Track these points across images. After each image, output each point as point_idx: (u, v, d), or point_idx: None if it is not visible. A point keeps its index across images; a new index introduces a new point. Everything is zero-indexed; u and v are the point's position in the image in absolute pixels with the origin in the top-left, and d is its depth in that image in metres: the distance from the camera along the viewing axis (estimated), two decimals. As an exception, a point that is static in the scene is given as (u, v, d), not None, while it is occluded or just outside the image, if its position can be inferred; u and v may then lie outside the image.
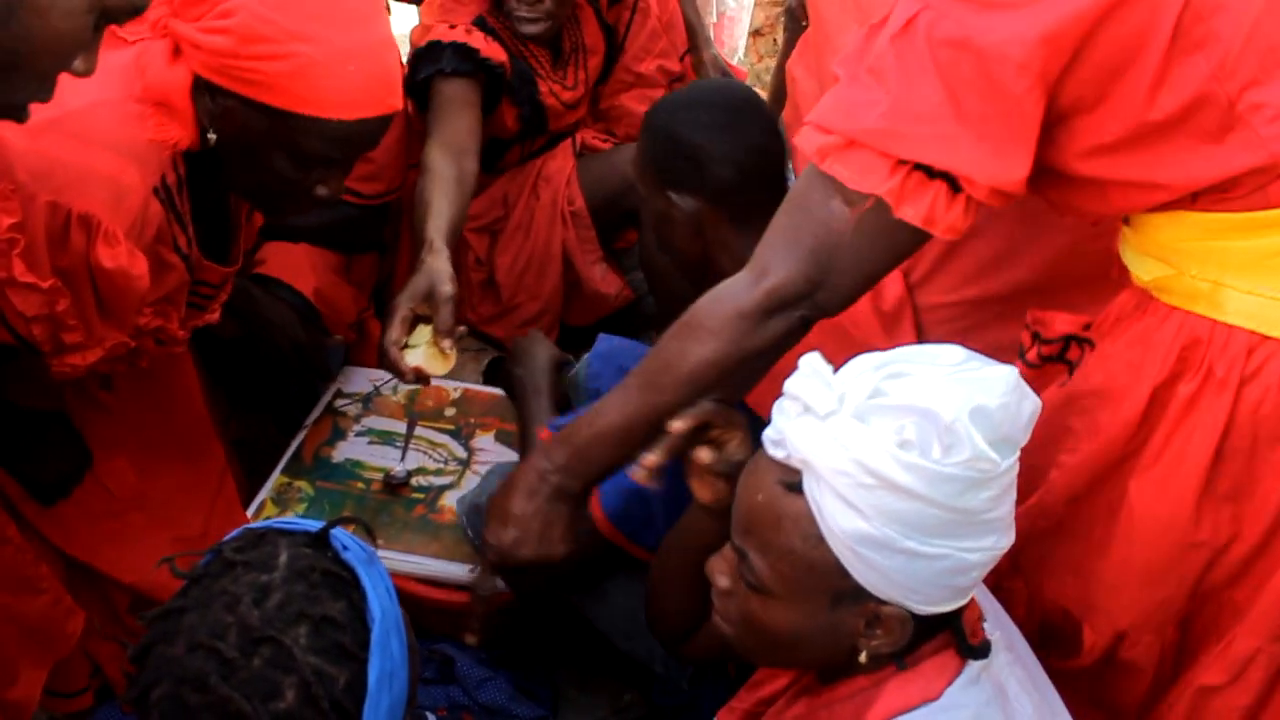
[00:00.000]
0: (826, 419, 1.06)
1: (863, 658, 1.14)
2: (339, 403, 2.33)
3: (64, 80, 1.12)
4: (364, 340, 2.49)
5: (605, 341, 2.01)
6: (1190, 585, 1.32)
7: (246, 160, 1.56)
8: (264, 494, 2.13)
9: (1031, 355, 1.47)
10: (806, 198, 1.30)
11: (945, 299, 1.80)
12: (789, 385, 1.12)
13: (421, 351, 1.84)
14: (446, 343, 1.83)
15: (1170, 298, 1.24)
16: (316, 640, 1.09)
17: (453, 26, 2.29)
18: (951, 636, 1.15)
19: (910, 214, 1.17)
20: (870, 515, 1.05)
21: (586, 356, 2.01)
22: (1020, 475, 1.13)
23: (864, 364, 1.11)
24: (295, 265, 2.24)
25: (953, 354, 1.11)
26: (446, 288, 1.81)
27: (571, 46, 2.53)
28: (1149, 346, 1.27)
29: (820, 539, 1.08)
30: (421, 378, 1.84)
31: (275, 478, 2.16)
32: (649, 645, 1.66)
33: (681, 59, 2.72)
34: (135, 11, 1.11)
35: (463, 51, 2.25)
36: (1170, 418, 1.26)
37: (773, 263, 1.32)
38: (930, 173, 1.15)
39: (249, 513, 2.07)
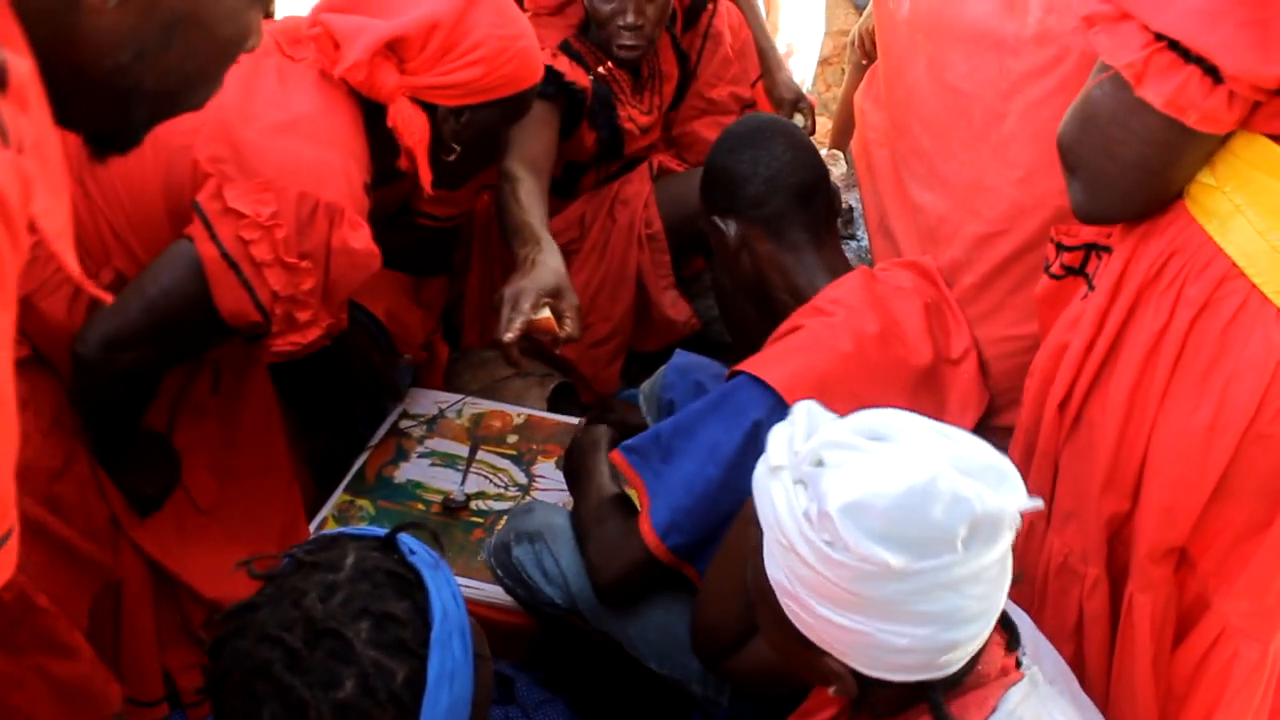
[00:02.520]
0: (774, 472, 1.07)
1: (831, 692, 1.13)
2: (404, 424, 2.37)
3: (283, 86, 1.15)
4: (432, 361, 2.52)
5: (681, 356, 2.04)
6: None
7: (483, 149, 1.90)
8: (326, 510, 2.17)
9: (1055, 267, 1.47)
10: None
11: (1009, 332, 1.80)
12: (771, 430, 1.12)
13: None
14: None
15: (1193, 204, 1.23)
16: (377, 635, 1.12)
17: (553, 55, 2.33)
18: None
19: (1153, 95, 1.12)
20: (787, 574, 1.06)
21: (662, 369, 2.02)
22: None
23: (843, 424, 1.08)
24: (367, 285, 2.26)
25: (928, 437, 1.04)
26: (574, 298, 1.95)
27: (649, 72, 2.56)
28: (1146, 236, 1.27)
29: (768, 575, 1.10)
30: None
31: (338, 495, 2.20)
32: (685, 665, 1.66)
33: (753, 85, 2.73)
34: None
35: (548, 74, 2.30)
36: (1120, 311, 1.28)
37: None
38: (1185, 56, 1.10)
39: (311, 528, 2.11)
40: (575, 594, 1.71)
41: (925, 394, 1.67)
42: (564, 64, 2.35)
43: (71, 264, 0.84)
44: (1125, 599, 1.35)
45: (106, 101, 0.99)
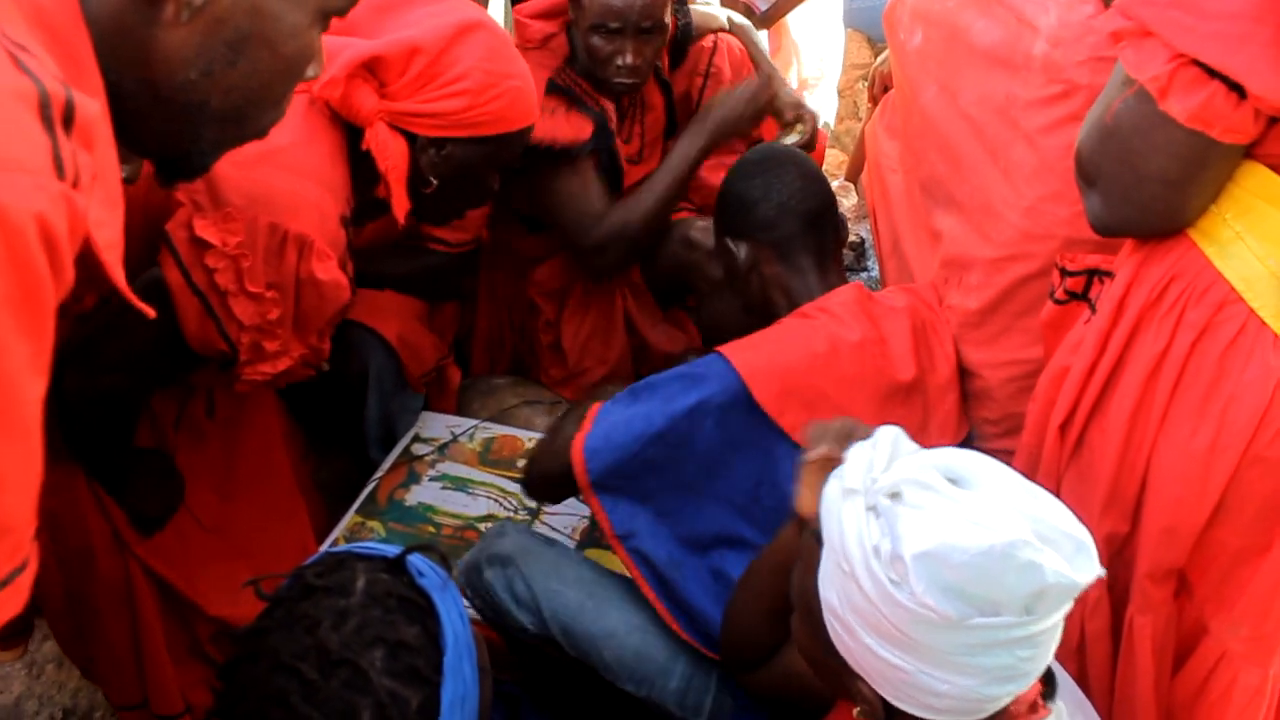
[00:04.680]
0: (848, 494, 1.06)
1: (855, 713, 1.13)
2: (416, 447, 2.38)
3: None
4: (444, 387, 2.53)
5: None
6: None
7: (462, 186, 1.85)
8: (337, 532, 2.18)
9: (1059, 292, 1.48)
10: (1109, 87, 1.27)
11: (1016, 356, 1.81)
12: (852, 448, 1.11)
13: None
14: None
15: (1194, 230, 1.25)
16: (392, 664, 1.12)
17: (551, 112, 2.31)
18: None
19: (1177, 109, 1.13)
20: (842, 598, 1.05)
21: None
22: None
23: (927, 459, 1.07)
24: (380, 310, 2.29)
25: (1013, 494, 1.02)
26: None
27: (630, 102, 2.55)
28: (1147, 261, 1.28)
29: (818, 593, 1.11)
30: None
31: (349, 517, 2.21)
32: (662, 688, 1.68)
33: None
34: (349, 4, 1.11)
35: (573, 152, 2.33)
36: (1121, 334, 1.30)
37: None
38: (1210, 72, 1.11)
39: (322, 550, 2.11)
40: (548, 618, 1.72)
41: (901, 409, 1.71)
42: (576, 124, 2.36)
43: (119, 276, 0.86)
44: (1126, 621, 1.36)
45: (176, 120, 1.01)
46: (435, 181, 1.78)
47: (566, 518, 2.16)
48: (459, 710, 1.14)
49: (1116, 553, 1.37)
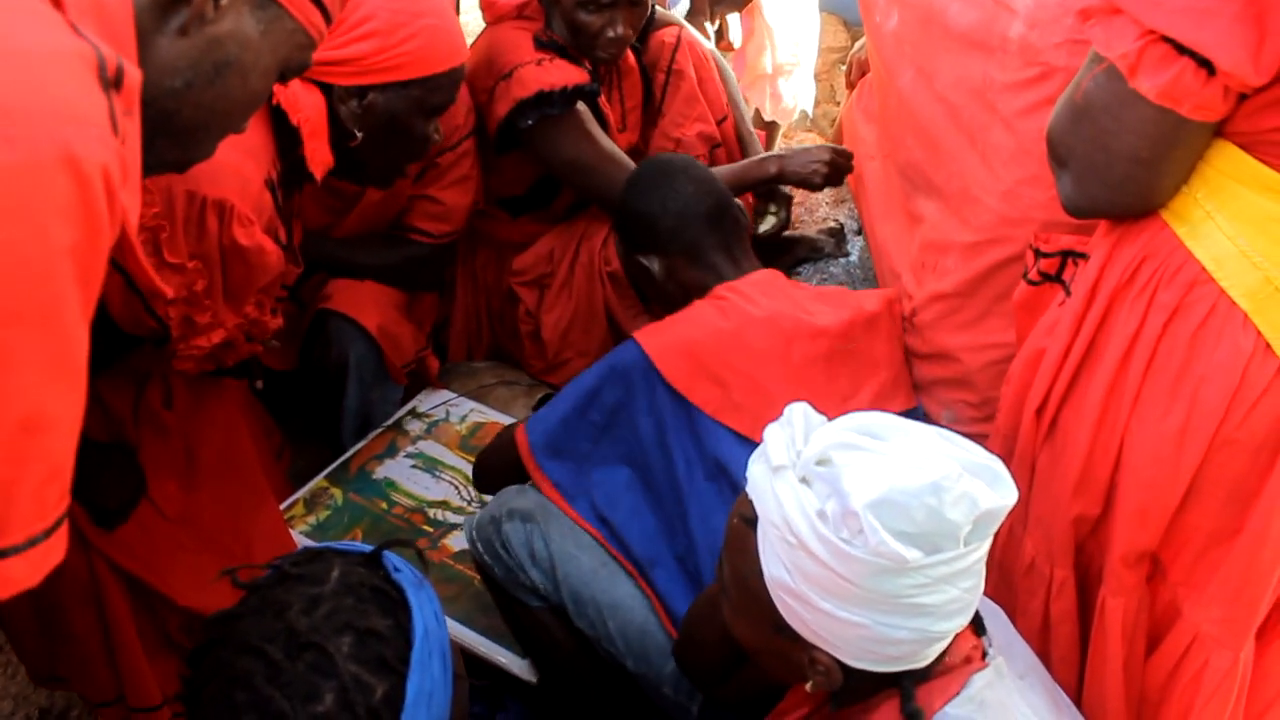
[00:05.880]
0: (777, 471, 1.09)
1: (808, 687, 1.16)
2: (407, 421, 2.39)
3: None
4: (423, 375, 2.52)
5: None
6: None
7: (391, 138, 1.81)
8: (301, 493, 2.21)
9: (1033, 273, 1.49)
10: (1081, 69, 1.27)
11: (993, 339, 1.82)
12: (767, 429, 1.14)
13: None
14: None
15: (1165, 210, 1.25)
16: (359, 650, 1.12)
17: (539, 63, 2.32)
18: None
19: (1147, 86, 1.13)
20: (792, 570, 1.08)
21: None
22: None
23: (840, 425, 1.12)
24: (360, 301, 2.29)
25: (926, 438, 1.09)
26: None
27: (607, 70, 2.54)
28: (1120, 242, 1.29)
29: (760, 575, 1.13)
30: None
31: (317, 480, 2.24)
32: (659, 668, 1.69)
33: (719, 124, 2.70)
34: (303, 69, 1.18)
35: (572, 93, 2.32)
36: (1095, 316, 1.30)
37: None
38: (1179, 49, 1.10)
39: (283, 506, 2.13)
40: (560, 580, 1.74)
41: (821, 378, 1.77)
42: (572, 72, 2.35)
43: (144, 258, 0.91)
44: (1098, 603, 1.36)
45: (146, 123, 1.03)
46: (360, 134, 1.74)
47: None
48: (424, 705, 1.13)
49: (1088, 535, 1.38)
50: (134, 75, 0.85)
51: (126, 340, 1.57)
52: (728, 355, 1.71)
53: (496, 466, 1.88)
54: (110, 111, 0.80)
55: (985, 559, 1.11)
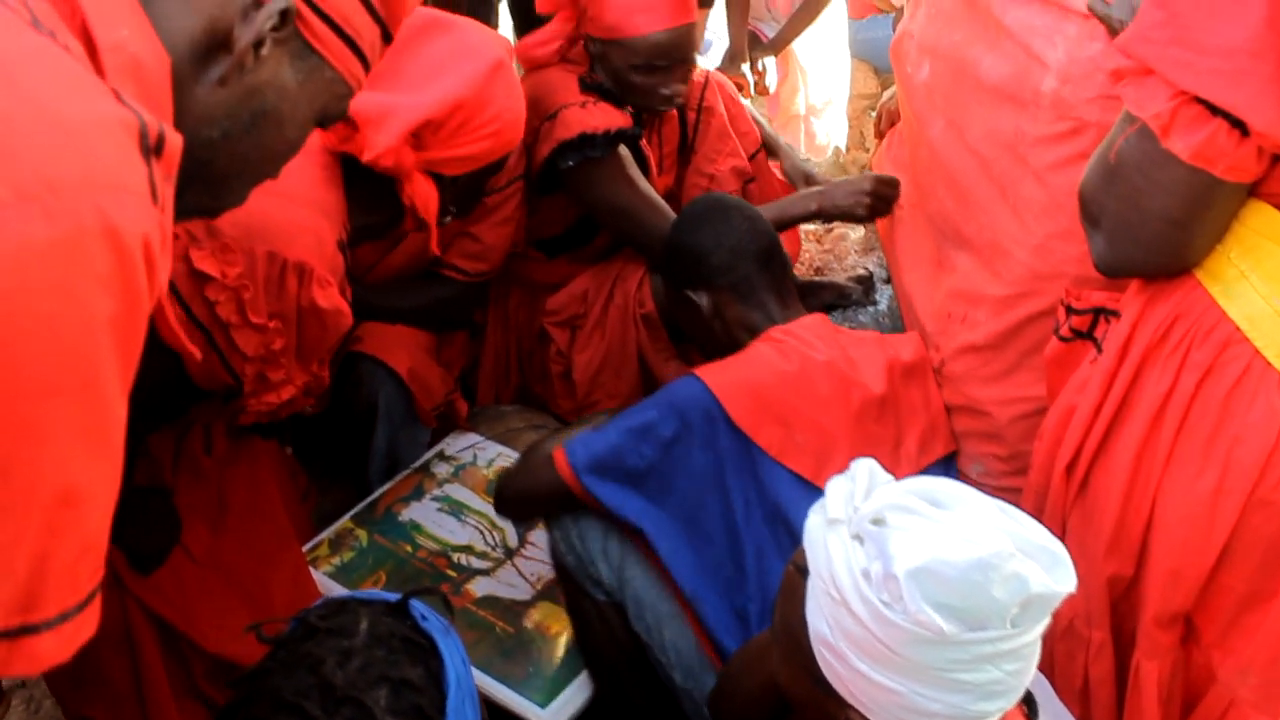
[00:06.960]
0: (832, 525, 1.09)
1: None
2: (435, 464, 2.39)
3: None
4: (452, 419, 2.52)
5: None
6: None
7: (467, 206, 2.00)
8: (326, 534, 2.20)
9: (1064, 329, 1.48)
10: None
11: (1024, 393, 1.81)
12: (830, 482, 1.14)
13: None
14: None
15: (1199, 269, 1.24)
16: (396, 702, 1.13)
17: (584, 105, 2.34)
18: None
19: (1180, 147, 1.13)
20: (833, 625, 1.08)
21: None
22: None
23: (904, 487, 1.11)
24: (391, 344, 2.29)
25: (987, 512, 1.07)
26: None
27: (647, 116, 2.55)
28: (1153, 300, 1.28)
29: (804, 625, 1.12)
30: None
31: (343, 521, 2.23)
32: (706, 687, 1.68)
33: (751, 159, 2.71)
34: (340, 118, 1.17)
35: (615, 136, 2.34)
36: (1127, 374, 1.30)
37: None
38: (1212, 109, 1.10)
39: (307, 546, 2.13)
40: (625, 580, 1.76)
41: (874, 425, 1.77)
42: (616, 116, 2.36)
43: (173, 316, 0.91)
44: (1133, 666, 1.35)
45: (180, 172, 1.04)
46: (454, 211, 1.85)
47: (537, 565, 2.13)
48: None
49: (1122, 596, 1.37)
50: (175, 141, 0.85)
51: (197, 394, 1.60)
52: (791, 398, 1.71)
53: (525, 487, 1.85)
54: (150, 179, 0.80)
55: (1039, 645, 1.07)
